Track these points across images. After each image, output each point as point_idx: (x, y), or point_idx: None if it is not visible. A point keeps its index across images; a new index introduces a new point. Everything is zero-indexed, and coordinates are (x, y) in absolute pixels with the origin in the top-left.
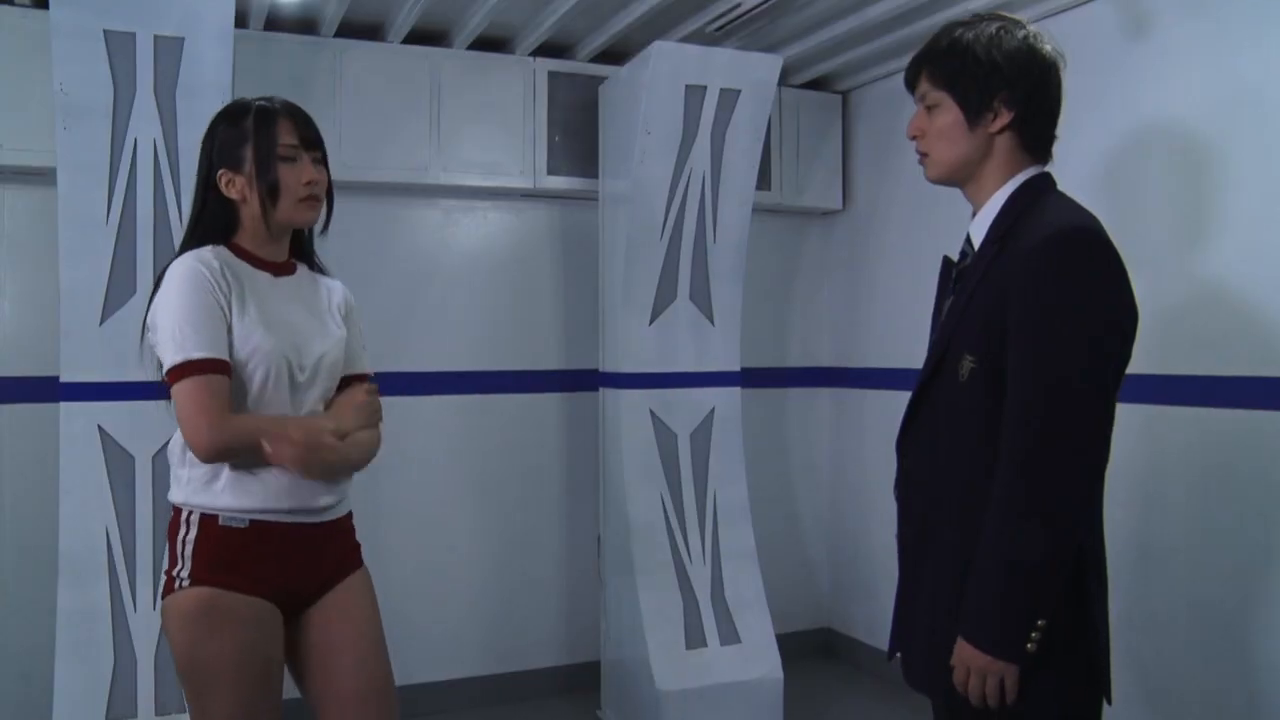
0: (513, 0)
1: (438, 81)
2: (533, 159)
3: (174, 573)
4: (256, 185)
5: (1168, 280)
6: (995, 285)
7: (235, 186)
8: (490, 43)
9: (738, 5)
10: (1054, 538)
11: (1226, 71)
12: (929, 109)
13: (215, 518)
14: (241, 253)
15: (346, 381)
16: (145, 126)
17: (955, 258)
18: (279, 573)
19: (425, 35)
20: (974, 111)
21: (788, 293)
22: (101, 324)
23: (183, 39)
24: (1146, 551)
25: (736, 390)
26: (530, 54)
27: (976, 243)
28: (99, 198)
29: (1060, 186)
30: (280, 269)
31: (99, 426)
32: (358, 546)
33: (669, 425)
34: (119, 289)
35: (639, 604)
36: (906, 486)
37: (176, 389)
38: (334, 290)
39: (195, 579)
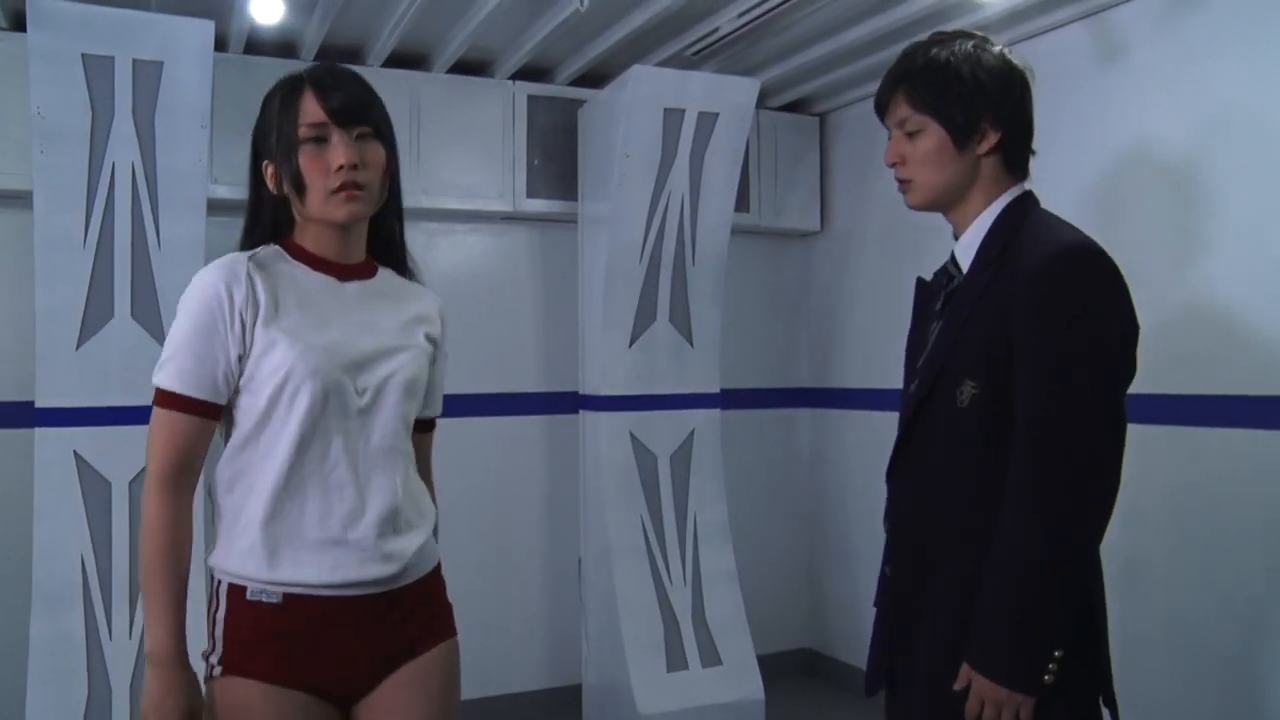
0: (492, 24)
1: (417, 105)
2: (512, 182)
3: (208, 658)
4: (281, 177)
5: (1150, 300)
6: (995, 306)
7: (274, 178)
8: (470, 66)
9: (716, 29)
10: (1068, 560)
11: (1199, 90)
12: (909, 134)
13: (243, 590)
14: (300, 253)
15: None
16: (123, 150)
17: (931, 279)
18: (323, 658)
19: (405, 59)
20: (961, 134)
21: (767, 314)
22: (78, 348)
23: (162, 63)
24: (1130, 569)
25: (716, 411)
26: (510, 77)
27: (964, 264)
28: (76, 221)
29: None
30: (349, 272)
31: (74, 452)
32: (441, 614)
33: (649, 447)
34: (96, 313)
35: (620, 626)
36: (899, 517)
37: (153, 412)
38: (424, 300)
39: (226, 666)
